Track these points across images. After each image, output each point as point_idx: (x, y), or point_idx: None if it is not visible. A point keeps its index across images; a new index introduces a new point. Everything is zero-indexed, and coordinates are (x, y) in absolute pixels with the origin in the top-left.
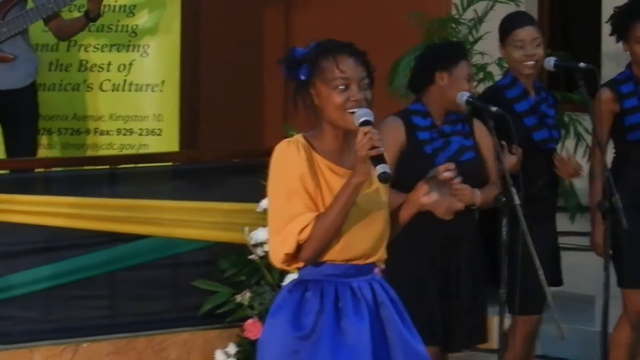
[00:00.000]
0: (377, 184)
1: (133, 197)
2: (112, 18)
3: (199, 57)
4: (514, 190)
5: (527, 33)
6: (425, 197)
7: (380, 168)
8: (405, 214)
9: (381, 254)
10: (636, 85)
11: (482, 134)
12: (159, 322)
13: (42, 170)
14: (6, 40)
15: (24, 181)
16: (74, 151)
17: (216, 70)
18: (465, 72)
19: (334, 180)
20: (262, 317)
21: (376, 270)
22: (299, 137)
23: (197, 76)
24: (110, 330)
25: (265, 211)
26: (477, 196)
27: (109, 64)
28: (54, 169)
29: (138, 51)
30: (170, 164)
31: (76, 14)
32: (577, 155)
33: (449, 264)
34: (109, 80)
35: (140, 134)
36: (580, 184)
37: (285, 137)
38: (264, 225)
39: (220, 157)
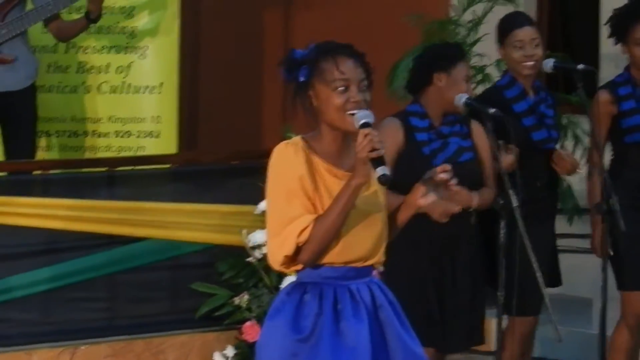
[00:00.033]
0: (375, 186)
1: (131, 199)
2: (111, 20)
3: (197, 59)
4: (512, 192)
5: (526, 33)
6: (422, 199)
7: (381, 170)
8: (403, 216)
9: (380, 257)
10: (634, 87)
11: (480, 135)
12: (157, 325)
13: (40, 172)
14: (6, 42)
15: (22, 183)
16: (72, 153)
17: (215, 72)
18: (464, 73)
19: (333, 182)
20: (260, 320)
21: (374, 272)
22: (297, 139)
23: (195, 78)
24: (108, 332)
25: (263, 213)
26: (474, 199)
27: (108, 65)
28: (52, 171)
29: (136, 53)
30: (168, 166)
31: (75, 16)
32: (575, 157)
33: (447, 265)
34: (108, 82)
35: (138, 136)
36: (578, 186)
37: (284, 139)
38: (262, 228)
39: (218, 159)
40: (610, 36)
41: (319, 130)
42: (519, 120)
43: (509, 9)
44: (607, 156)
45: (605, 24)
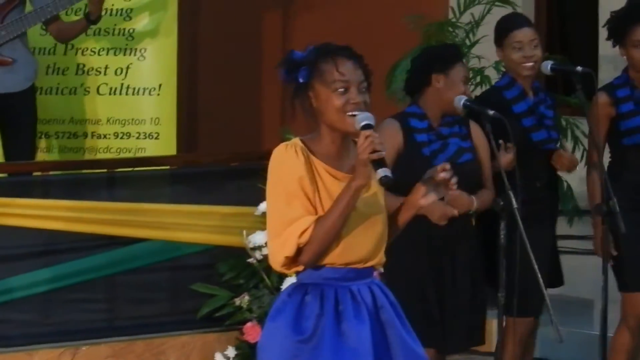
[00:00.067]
0: (375, 187)
1: (131, 200)
2: (110, 22)
3: (196, 61)
4: (511, 193)
5: (524, 34)
6: (423, 198)
7: (382, 172)
8: (404, 217)
9: (380, 258)
10: (632, 89)
11: (479, 136)
12: (158, 325)
13: (40, 173)
14: (5, 44)
15: (22, 185)
16: (72, 155)
17: (214, 74)
18: (462, 75)
19: (332, 183)
20: (261, 321)
21: (375, 273)
22: (296, 141)
23: (194, 80)
24: (109, 333)
25: (263, 214)
26: (474, 202)
27: (106, 67)
28: (52, 172)
29: (135, 55)
30: (168, 167)
31: (74, 18)
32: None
33: (447, 265)
34: (106, 83)
35: (137, 138)
36: (578, 188)
37: (283, 140)
38: (263, 229)
39: (218, 161)
40: (608, 38)
41: (318, 132)
42: (518, 121)
43: (506, 10)
44: (606, 158)
45: (603, 26)
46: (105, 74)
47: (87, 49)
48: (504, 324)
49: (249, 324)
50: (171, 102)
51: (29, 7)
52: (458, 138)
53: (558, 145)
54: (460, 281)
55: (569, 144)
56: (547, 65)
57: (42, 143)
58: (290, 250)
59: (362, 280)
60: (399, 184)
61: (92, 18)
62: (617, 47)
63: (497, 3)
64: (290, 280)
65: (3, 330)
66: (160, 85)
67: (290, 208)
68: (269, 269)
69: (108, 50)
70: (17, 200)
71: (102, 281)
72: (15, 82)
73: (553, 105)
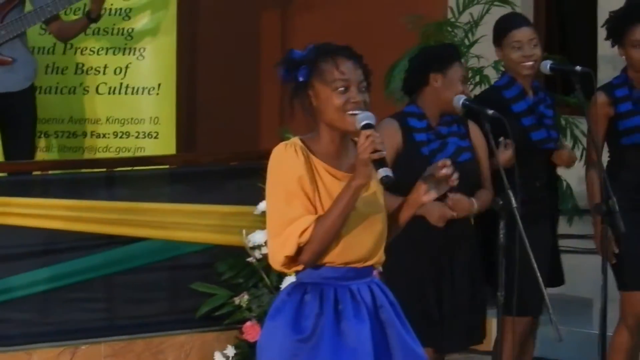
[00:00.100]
0: (375, 187)
1: (130, 199)
2: (109, 21)
3: (195, 60)
4: (511, 193)
5: (524, 34)
6: (425, 195)
7: (383, 172)
8: (406, 215)
9: (380, 257)
10: (631, 89)
11: (477, 136)
12: (157, 325)
13: (39, 173)
14: (5, 43)
15: (21, 184)
16: (71, 154)
17: (213, 73)
18: (459, 74)
19: (332, 183)
20: (260, 320)
21: (375, 273)
22: (296, 140)
23: (193, 79)
24: (108, 332)
25: (263, 214)
26: (474, 205)
27: (105, 67)
28: (51, 171)
29: (134, 54)
30: (167, 166)
31: (72, 17)
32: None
33: (446, 265)
34: (105, 83)
35: (137, 137)
36: (578, 187)
37: (282, 140)
38: (262, 228)
39: (217, 160)
40: (607, 38)
41: (317, 131)
42: (517, 120)
43: (505, 10)
44: (604, 158)
45: (602, 26)
46: (104, 73)
47: (87, 49)
48: (506, 323)
49: (248, 323)
50: (170, 101)
51: (28, 7)
52: (457, 137)
53: (558, 144)
54: (460, 281)
55: (568, 144)
56: (546, 65)
57: (42, 142)
58: (290, 250)
59: (361, 279)
60: (398, 184)
61: (92, 16)
62: (616, 47)
63: (496, 3)
64: (289, 280)
65: (2, 330)
66: (159, 85)
67: (290, 207)
68: (268, 268)
69: (107, 49)
70: (16, 199)
71: (102, 280)
72: (15, 82)
73: (553, 104)
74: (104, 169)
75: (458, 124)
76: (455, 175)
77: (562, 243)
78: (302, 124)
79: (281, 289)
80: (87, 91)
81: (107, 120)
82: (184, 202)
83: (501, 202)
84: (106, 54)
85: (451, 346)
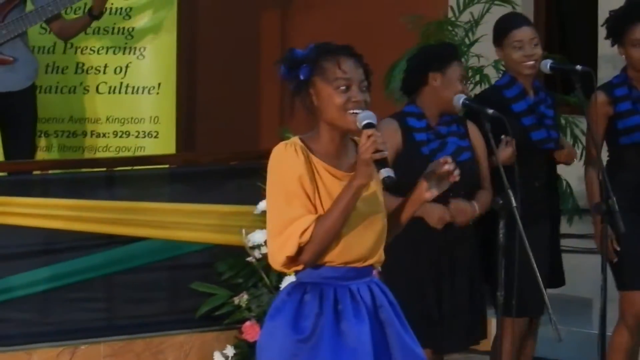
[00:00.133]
0: (375, 186)
1: (130, 199)
2: (109, 21)
3: (195, 60)
4: (510, 192)
5: (524, 33)
6: (427, 192)
7: (385, 172)
8: (407, 213)
9: (379, 256)
10: (630, 88)
11: (476, 136)
12: (157, 325)
13: (39, 172)
14: (6, 43)
15: (22, 183)
16: (71, 154)
17: (213, 73)
18: (458, 73)
19: (332, 182)
20: (260, 320)
21: (374, 272)
22: (296, 140)
23: (193, 79)
24: (107, 332)
25: (262, 213)
26: (476, 209)
27: (106, 66)
28: (51, 171)
29: (134, 54)
30: (167, 166)
31: (73, 16)
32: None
33: (446, 265)
34: (106, 82)
35: (137, 137)
36: (578, 187)
37: (282, 139)
38: (262, 228)
39: (217, 160)
40: (607, 38)
41: (316, 131)
42: (518, 120)
43: (506, 9)
44: (604, 157)
45: (602, 26)
46: (104, 72)
47: (87, 48)
48: (505, 323)
49: (247, 323)
50: (170, 100)
51: (29, 6)
52: (456, 137)
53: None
54: (459, 281)
55: (568, 141)
56: (546, 64)
57: (42, 142)
58: (291, 250)
59: (361, 279)
60: (398, 184)
61: (94, 13)
62: (616, 46)
63: (496, 2)
64: (289, 279)
65: (2, 330)
66: (159, 84)
67: (291, 207)
68: (268, 268)
69: (107, 49)
70: (16, 199)
71: (101, 280)
72: (16, 81)
73: (553, 104)
74: (104, 169)
75: (457, 124)
76: (457, 172)
77: (562, 243)
78: (302, 123)
79: (281, 289)
80: (87, 90)
81: (107, 119)
82: (184, 202)
83: (501, 202)
84: (106, 53)
85: (451, 346)
